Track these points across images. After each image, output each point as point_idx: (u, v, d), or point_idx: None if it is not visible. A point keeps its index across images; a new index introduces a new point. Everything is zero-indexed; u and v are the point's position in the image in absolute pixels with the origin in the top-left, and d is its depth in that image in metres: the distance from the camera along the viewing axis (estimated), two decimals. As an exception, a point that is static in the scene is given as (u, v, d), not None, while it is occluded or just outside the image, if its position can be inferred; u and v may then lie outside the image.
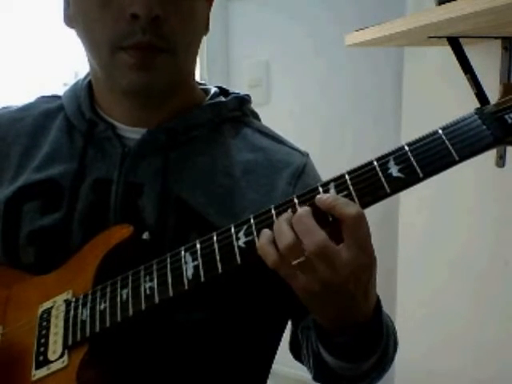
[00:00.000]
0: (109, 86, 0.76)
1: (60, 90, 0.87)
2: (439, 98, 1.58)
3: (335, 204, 0.55)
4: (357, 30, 1.33)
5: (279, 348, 0.85)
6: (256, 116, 0.87)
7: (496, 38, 1.31)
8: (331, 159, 1.22)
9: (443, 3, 1.02)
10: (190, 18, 0.72)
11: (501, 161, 1.34)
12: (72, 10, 0.73)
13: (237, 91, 0.86)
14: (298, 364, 0.84)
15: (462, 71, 1.30)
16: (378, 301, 0.63)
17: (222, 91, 0.86)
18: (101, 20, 0.69)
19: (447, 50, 1.31)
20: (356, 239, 0.55)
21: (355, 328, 0.61)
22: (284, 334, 0.85)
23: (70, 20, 0.75)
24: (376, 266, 0.58)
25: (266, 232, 0.58)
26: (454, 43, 1.28)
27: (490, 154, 1.36)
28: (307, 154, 0.83)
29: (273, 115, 1.05)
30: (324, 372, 0.71)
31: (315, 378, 0.76)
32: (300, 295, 0.59)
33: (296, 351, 0.81)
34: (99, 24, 0.69)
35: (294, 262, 0.55)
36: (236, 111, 0.83)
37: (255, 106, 0.88)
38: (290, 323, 0.84)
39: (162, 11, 0.67)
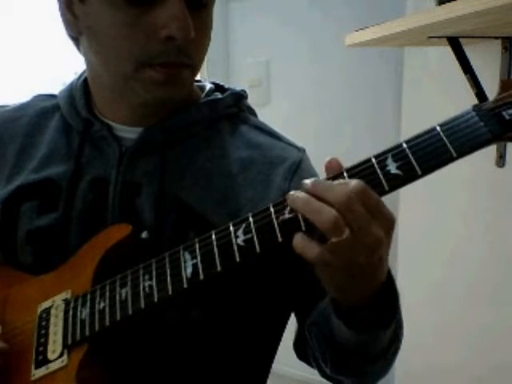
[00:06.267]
0: (123, 96, 0.74)
1: (59, 90, 0.86)
2: (439, 98, 1.58)
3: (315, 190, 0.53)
4: (357, 30, 1.33)
5: (279, 348, 0.85)
6: (252, 112, 0.87)
7: (496, 38, 1.31)
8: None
9: (443, 3, 1.02)
10: (209, 32, 0.73)
11: (501, 160, 1.34)
12: (84, 22, 0.70)
13: (232, 87, 0.85)
14: (298, 364, 0.84)
15: (461, 71, 1.30)
16: (389, 272, 0.61)
17: (218, 87, 0.85)
18: (129, 38, 0.67)
19: (447, 50, 1.31)
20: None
21: (375, 297, 0.59)
22: (284, 334, 0.85)
23: (75, 30, 0.73)
24: (392, 234, 0.56)
25: (299, 234, 0.55)
26: (454, 43, 1.28)
27: (490, 154, 1.36)
28: (303, 150, 0.82)
29: (272, 115, 1.05)
30: (339, 359, 0.68)
31: (332, 370, 0.72)
32: (334, 281, 0.57)
33: (301, 350, 0.81)
34: (126, 41, 0.67)
35: (347, 233, 0.52)
36: (232, 107, 0.82)
37: (255, 106, 0.88)
38: (292, 323, 0.83)
39: (195, 32, 0.67)
